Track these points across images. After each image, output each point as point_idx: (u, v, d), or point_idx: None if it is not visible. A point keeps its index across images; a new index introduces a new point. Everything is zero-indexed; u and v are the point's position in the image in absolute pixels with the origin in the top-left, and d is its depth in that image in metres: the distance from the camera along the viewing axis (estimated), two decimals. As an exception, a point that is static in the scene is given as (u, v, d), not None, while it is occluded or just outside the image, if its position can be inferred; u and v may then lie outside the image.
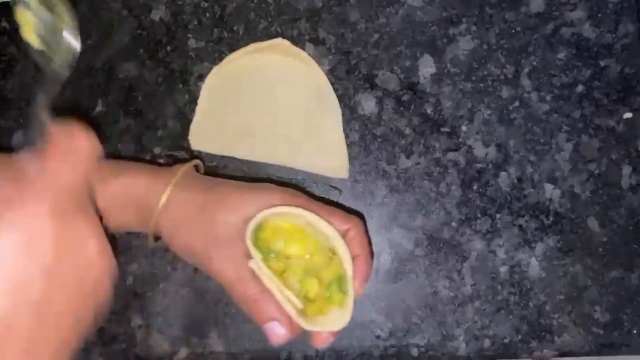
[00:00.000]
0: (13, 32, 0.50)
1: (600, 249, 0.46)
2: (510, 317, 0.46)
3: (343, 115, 0.48)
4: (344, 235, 0.38)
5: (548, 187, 0.47)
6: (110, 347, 0.47)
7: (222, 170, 0.48)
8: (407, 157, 0.47)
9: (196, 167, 0.43)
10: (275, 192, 0.39)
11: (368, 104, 0.48)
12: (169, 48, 0.49)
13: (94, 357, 0.46)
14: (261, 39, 0.48)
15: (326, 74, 0.48)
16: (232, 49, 0.49)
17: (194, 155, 0.48)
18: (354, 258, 0.38)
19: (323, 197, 0.47)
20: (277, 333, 0.37)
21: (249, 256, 0.37)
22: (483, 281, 0.46)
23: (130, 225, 0.41)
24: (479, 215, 0.47)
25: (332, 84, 0.48)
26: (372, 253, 0.40)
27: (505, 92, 0.48)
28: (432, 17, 0.48)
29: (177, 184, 0.39)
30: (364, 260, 0.39)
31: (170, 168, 0.41)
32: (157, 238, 0.41)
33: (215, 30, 0.49)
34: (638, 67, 0.48)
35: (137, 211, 0.40)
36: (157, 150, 0.48)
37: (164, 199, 0.38)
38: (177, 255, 0.40)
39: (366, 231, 0.40)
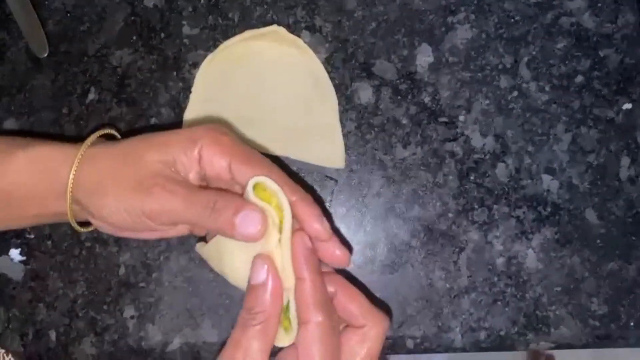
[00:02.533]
0: (4, 17, 0.49)
1: (598, 241, 0.46)
2: (507, 309, 0.45)
3: (339, 104, 0.47)
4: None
5: (546, 178, 0.46)
6: (102, 337, 0.46)
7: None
8: (404, 147, 0.47)
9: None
10: (196, 129, 0.35)
11: (365, 93, 0.47)
12: (162, 35, 0.48)
13: (86, 347, 0.46)
14: (256, 26, 0.48)
15: (322, 63, 0.47)
16: (227, 36, 0.48)
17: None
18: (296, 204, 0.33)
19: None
20: (254, 220, 0.31)
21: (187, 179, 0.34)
22: (479, 273, 0.46)
23: (43, 198, 0.37)
24: (476, 206, 0.46)
25: (328, 72, 0.47)
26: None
27: (504, 81, 0.47)
28: (430, 6, 0.48)
29: (91, 148, 0.36)
30: (306, 201, 0.33)
31: (75, 143, 0.38)
32: (82, 224, 0.38)
33: (210, 17, 0.48)
34: (638, 57, 0.47)
35: (48, 182, 0.36)
36: (150, 138, 0.47)
37: (76, 161, 0.35)
38: (105, 227, 0.36)
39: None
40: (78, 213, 0.37)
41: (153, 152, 0.34)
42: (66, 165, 0.35)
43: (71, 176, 0.35)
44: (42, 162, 0.36)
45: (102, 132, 0.39)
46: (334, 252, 0.34)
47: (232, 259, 0.34)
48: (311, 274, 0.31)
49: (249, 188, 0.32)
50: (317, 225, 0.33)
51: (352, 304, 0.33)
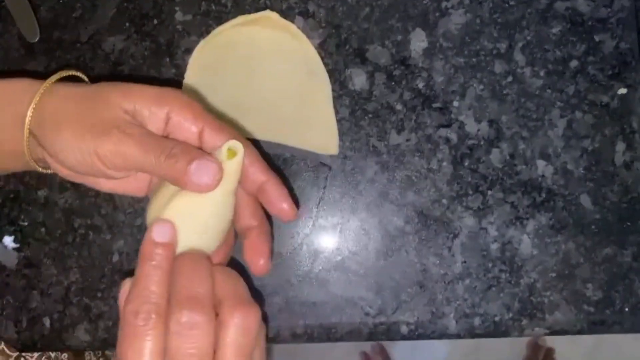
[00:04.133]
0: (-4, 4, 0.49)
1: (593, 227, 0.45)
2: (501, 295, 0.45)
3: (333, 90, 0.47)
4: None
5: (540, 163, 0.46)
6: (96, 324, 0.46)
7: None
8: (398, 133, 0.47)
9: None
10: (168, 90, 0.34)
11: (359, 79, 0.47)
12: (155, 21, 0.48)
13: (80, 334, 0.46)
14: (249, 12, 0.47)
15: (316, 48, 0.47)
16: (220, 22, 0.48)
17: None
18: (259, 191, 0.35)
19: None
20: (209, 170, 0.31)
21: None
22: (474, 258, 0.45)
23: (2, 139, 0.36)
24: (470, 192, 0.46)
25: (322, 58, 0.47)
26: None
27: (498, 67, 0.47)
28: (425, -9, 0.47)
29: (54, 85, 0.35)
30: (276, 183, 0.35)
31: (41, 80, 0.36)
32: (40, 165, 0.37)
33: (203, 3, 0.48)
34: (633, 42, 0.47)
35: (7, 118, 0.35)
36: (143, 125, 0.47)
37: (37, 96, 0.34)
38: (59, 168, 0.35)
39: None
40: (35, 149, 0.35)
41: (118, 96, 0.33)
42: (27, 98, 0.34)
43: (30, 108, 0.34)
44: (4, 95, 0.35)
45: (69, 73, 0.37)
46: (282, 207, 0.35)
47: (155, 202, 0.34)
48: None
49: (224, 150, 0.32)
50: (284, 205, 0.35)
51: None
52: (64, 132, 0.33)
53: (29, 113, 0.34)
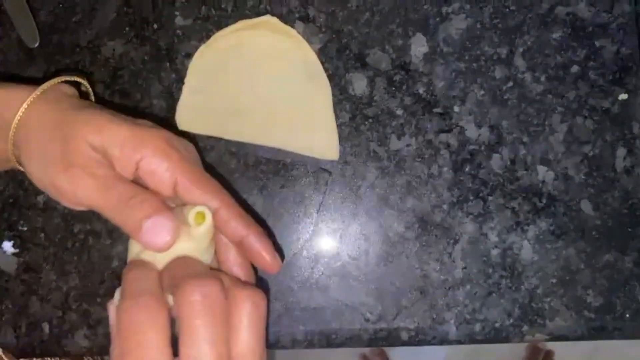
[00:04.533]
0: (-5, 8, 0.48)
1: (594, 232, 0.45)
2: (502, 300, 0.45)
3: (333, 95, 0.47)
4: (213, 214, 0.32)
5: (541, 169, 0.46)
6: (96, 330, 0.46)
7: (209, 152, 0.47)
8: (399, 138, 0.47)
9: (81, 91, 0.38)
10: (144, 134, 0.32)
11: (359, 84, 0.47)
12: (155, 26, 0.48)
13: (79, 340, 0.46)
14: (250, 17, 0.47)
15: (316, 53, 0.47)
16: (220, 26, 0.47)
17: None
18: (241, 243, 0.33)
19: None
20: (163, 229, 0.29)
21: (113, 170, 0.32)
22: (474, 264, 0.45)
23: None
24: (470, 198, 0.46)
25: (322, 63, 0.47)
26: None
27: (499, 72, 0.47)
28: (425, -5, 0.47)
29: (42, 97, 0.34)
30: (258, 236, 0.33)
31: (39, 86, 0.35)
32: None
33: (203, 7, 0.48)
34: (634, 47, 0.47)
35: None
36: (143, 130, 0.47)
37: (21, 110, 0.33)
38: (33, 181, 0.34)
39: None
40: (15, 154, 0.35)
41: (90, 131, 0.32)
42: (13, 110, 0.33)
43: (15, 121, 0.33)
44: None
45: (61, 79, 0.36)
46: (264, 261, 0.34)
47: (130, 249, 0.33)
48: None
49: (191, 215, 0.31)
50: (267, 258, 0.33)
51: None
52: (32, 159, 0.33)
53: (12, 127, 0.33)
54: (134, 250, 0.32)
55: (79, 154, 0.31)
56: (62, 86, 0.36)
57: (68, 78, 0.37)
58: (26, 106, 0.33)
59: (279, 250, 0.41)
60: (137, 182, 0.33)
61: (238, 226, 0.33)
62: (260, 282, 0.45)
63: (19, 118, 0.33)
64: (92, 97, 0.40)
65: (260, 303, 0.29)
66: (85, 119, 0.32)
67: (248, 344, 0.28)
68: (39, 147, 0.33)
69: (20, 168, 0.36)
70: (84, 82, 0.39)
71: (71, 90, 0.37)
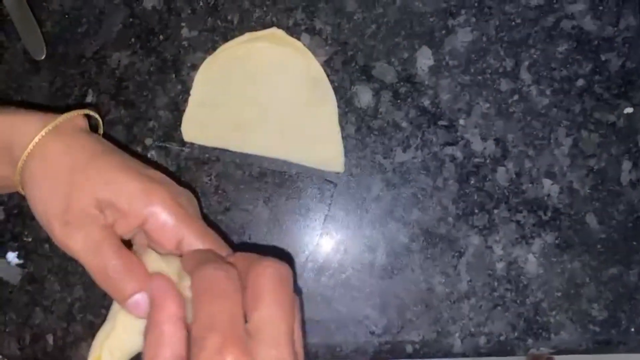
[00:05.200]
0: (1, 19, 0.48)
1: (599, 246, 0.45)
2: (507, 314, 0.45)
3: (339, 107, 0.47)
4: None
5: (546, 182, 0.46)
6: (100, 341, 0.46)
7: (214, 163, 0.47)
8: (404, 150, 0.47)
9: (90, 120, 0.38)
10: (152, 193, 0.33)
11: (364, 96, 0.47)
12: (161, 37, 0.48)
13: (83, 352, 0.46)
14: (256, 29, 0.47)
15: (322, 65, 0.47)
16: (226, 38, 0.48)
17: (184, 144, 0.47)
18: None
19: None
20: (142, 307, 0.31)
21: (106, 229, 0.32)
22: (479, 277, 0.45)
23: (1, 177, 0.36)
24: (476, 211, 0.46)
25: (327, 75, 0.47)
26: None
27: (505, 85, 0.47)
28: (431, 8, 0.47)
29: (54, 132, 0.34)
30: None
31: (53, 114, 0.35)
32: None
33: (209, 19, 0.48)
34: (639, 61, 0.47)
35: (3, 157, 0.35)
36: (148, 141, 0.47)
37: (31, 146, 0.33)
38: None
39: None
40: (22, 186, 0.36)
41: (98, 183, 0.33)
42: (23, 144, 0.34)
43: (25, 153, 0.33)
44: (2, 133, 0.34)
45: (77, 113, 0.36)
46: None
47: None
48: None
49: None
50: None
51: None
52: (36, 200, 0.33)
53: (22, 159, 0.34)
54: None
55: (78, 212, 0.32)
56: (73, 117, 0.36)
57: (80, 112, 0.36)
58: (37, 140, 0.33)
59: (289, 261, 0.41)
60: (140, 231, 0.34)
61: None
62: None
63: (28, 152, 0.33)
64: (101, 130, 0.40)
65: (281, 268, 0.28)
66: (96, 170, 0.33)
67: (269, 309, 0.27)
68: (43, 192, 0.33)
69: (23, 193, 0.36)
70: (96, 115, 0.38)
71: (82, 121, 0.37)
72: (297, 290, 0.46)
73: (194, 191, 0.44)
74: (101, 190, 0.32)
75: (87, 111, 0.37)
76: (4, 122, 0.34)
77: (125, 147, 0.47)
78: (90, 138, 0.35)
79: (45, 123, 0.34)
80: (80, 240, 0.32)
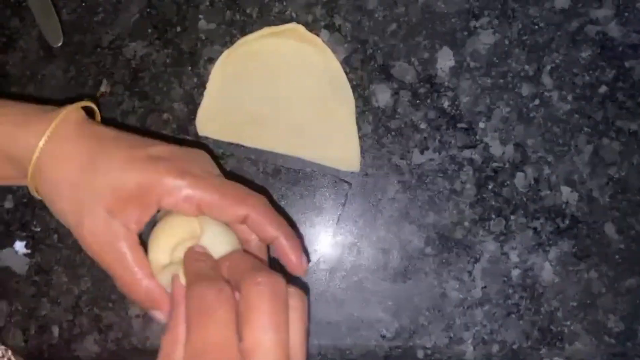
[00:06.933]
0: (16, 4, 0.48)
1: (617, 256, 0.45)
2: (521, 322, 0.44)
3: (356, 106, 0.46)
4: (242, 223, 0.34)
5: (565, 189, 0.45)
6: (106, 335, 0.45)
7: (228, 158, 0.46)
8: (422, 152, 0.46)
9: (87, 111, 0.37)
10: (154, 172, 0.33)
11: (383, 96, 0.46)
12: (178, 29, 0.47)
13: (89, 345, 0.45)
14: (275, 23, 0.47)
15: (341, 63, 0.46)
16: (244, 32, 0.47)
17: (200, 140, 0.46)
18: (271, 243, 0.34)
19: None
20: (159, 319, 0.34)
21: (127, 228, 0.33)
22: (494, 284, 0.45)
23: (8, 177, 0.36)
24: (493, 216, 0.45)
25: (346, 73, 0.46)
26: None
27: (526, 89, 0.46)
28: (453, 9, 0.47)
29: (56, 133, 0.34)
30: (288, 238, 0.34)
31: (52, 111, 0.35)
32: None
33: (228, 12, 0.47)
34: (664, 69, 0.46)
35: (11, 164, 0.35)
36: (162, 134, 0.46)
37: (36, 153, 0.33)
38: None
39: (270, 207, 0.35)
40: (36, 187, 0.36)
41: (106, 183, 0.33)
42: (27, 152, 0.34)
43: (34, 156, 0.34)
44: (4, 145, 0.34)
45: (80, 105, 0.36)
46: (291, 260, 0.34)
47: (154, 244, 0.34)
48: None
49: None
50: (293, 258, 0.34)
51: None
52: (53, 203, 0.34)
53: (32, 163, 0.34)
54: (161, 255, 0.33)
55: (92, 211, 0.33)
56: (69, 113, 0.35)
57: (77, 105, 0.36)
58: (38, 155, 0.34)
59: (307, 254, 0.41)
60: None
61: (267, 228, 0.34)
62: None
63: (34, 165, 0.34)
64: (99, 117, 0.39)
65: (275, 284, 0.28)
66: (102, 169, 0.33)
67: (261, 332, 0.27)
68: (57, 196, 0.34)
69: (35, 194, 0.36)
70: (92, 105, 0.38)
71: (79, 114, 0.36)
72: (306, 289, 0.45)
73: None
74: (111, 188, 0.33)
75: (83, 103, 0.37)
76: (2, 136, 0.34)
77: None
78: (91, 132, 0.35)
79: (44, 128, 0.34)
80: (96, 240, 0.33)
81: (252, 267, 0.30)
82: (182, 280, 0.31)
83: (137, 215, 0.33)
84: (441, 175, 0.45)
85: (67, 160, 0.34)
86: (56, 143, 0.34)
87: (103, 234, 0.33)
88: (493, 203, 0.45)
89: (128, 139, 0.35)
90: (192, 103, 0.46)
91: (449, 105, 0.46)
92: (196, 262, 0.32)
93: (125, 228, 0.33)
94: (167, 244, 0.33)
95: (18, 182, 0.36)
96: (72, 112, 0.35)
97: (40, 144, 0.33)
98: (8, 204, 0.46)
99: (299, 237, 0.33)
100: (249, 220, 0.34)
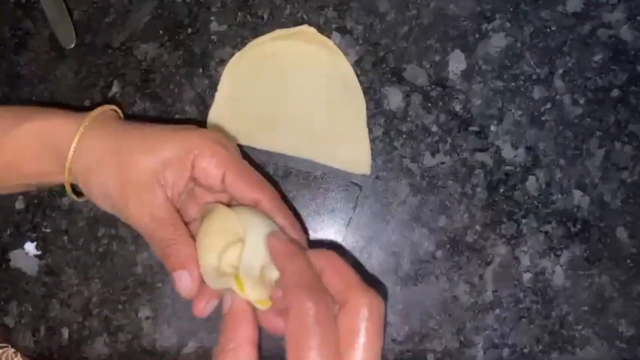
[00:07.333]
0: (29, 5, 0.48)
1: (628, 261, 0.44)
2: (532, 326, 0.44)
3: (367, 108, 0.46)
4: (255, 205, 0.35)
5: (577, 193, 0.45)
6: (116, 336, 0.45)
7: (239, 160, 0.46)
8: (433, 155, 0.46)
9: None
10: (193, 136, 0.36)
11: (394, 99, 0.46)
12: (190, 30, 0.47)
13: (98, 347, 0.45)
14: (286, 25, 0.47)
15: (352, 65, 0.46)
16: (256, 34, 0.47)
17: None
18: (282, 228, 0.34)
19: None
20: (184, 283, 0.34)
21: (167, 201, 0.35)
22: (505, 288, 0.44)
23: (45, 173, 0.38)
24: (504, 220, 0.45)
25: (357, 75, 0.46)
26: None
27: (537, 92, 0.46)
28: (465, 12, 0.47)
29: (91, 126, 0.37)
30: (294, 229, 0.35)
31: (86, 112, 0.38)
32: (79, 194, 0.39)
33: (239, 13, 0.47)
34: (676, 73, 0.46)
35: (50, 158, 0.37)
36: (173, 135, 0.46)
37: (75, 140, 0.36)
38: (96, 204, 0.37)
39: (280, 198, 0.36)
40: (72, 181, 0.38)
41: (146, 157, 0.35)
42: (67, 141, 0.36)
43: (70, 152, 0.36)
44: (45, 136, 0.37)
45: (104, 109, 0.39)
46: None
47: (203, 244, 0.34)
48: (293, 264, 0.29)
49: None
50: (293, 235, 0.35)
51: (336, 277, 0.29)
52: (92, 184, 0.36)
53: (68, 161, 0.36)
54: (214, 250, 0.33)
55: (137, 185, 0.35)
56: (103, 112, 0.39)
57: (106, 108, 0.39)
58: (78, 138, 0.36)
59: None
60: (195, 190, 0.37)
61: (277, 217, 0.35)
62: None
63: (74, 149, 0.36)
64: (122, 115, 0.42)
65: (381, 305, 0.27)
66: (142, 146, 0.35)
67: (366, 355, 0.26)
68: (99, 175, 0.36)
69: (73, 197, 0.39)
70: (117, 109, 0.41)
71: (110, 113, 0.40)
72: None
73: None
74: (153, 161, 0.35)
75: (111, 107, 0.40)
76: (44, 128, 0.37)
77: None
78: (122, 122, 0.39)
79: (79, 121, 0.37)
80: (148, 213, 0.35)
81: (356, 282, 0.28)
82: (239, 292, 0.30)
83: (173, 178, 0.35)
84: (452, 178, 0.45)
85: (100, 144, 0.36)
86: (95, 129, 0.36)
87: (147, 199, 0.34)
88: (504, 207, 0.45)
89: (157, 124, 0.38)
90: (203, 105, 0.46)
91: (460, 109, 0.46)
92: (293, 260, 0.29)
93: (164, 190, 0.35)
94: (214, 245, 0.33)
95: (51, 179, 0.38)
96: (106, 109, 0.39)
97: (81, 129, 0.36)
98: (19, 205, 0.46)
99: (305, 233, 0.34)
100: (260, 206, 0.35)
